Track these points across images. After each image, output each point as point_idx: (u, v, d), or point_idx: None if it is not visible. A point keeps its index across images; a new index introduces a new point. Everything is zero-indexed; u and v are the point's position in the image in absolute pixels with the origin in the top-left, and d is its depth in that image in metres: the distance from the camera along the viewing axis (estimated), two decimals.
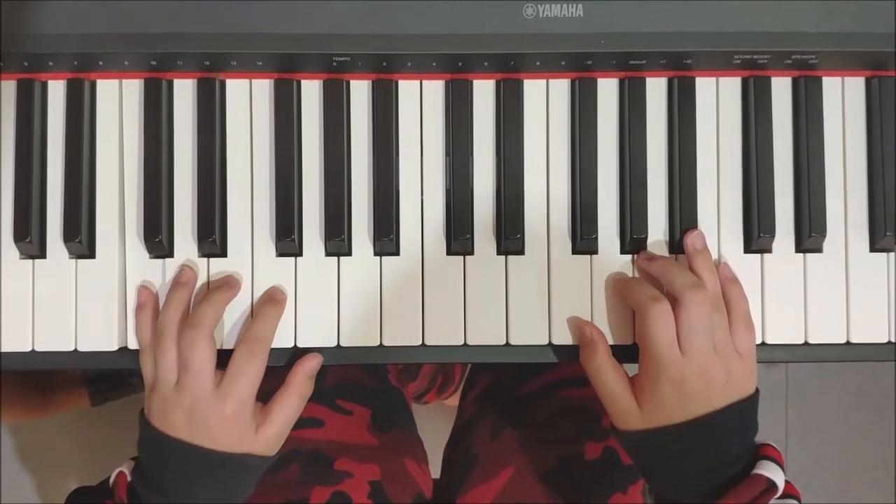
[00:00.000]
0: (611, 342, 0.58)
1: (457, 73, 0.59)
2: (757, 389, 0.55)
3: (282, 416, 0.56)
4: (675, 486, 0.55)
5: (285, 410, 0.56)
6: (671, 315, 0.53)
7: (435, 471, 0.77)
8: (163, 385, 0.54)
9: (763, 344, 0.59)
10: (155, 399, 0.54)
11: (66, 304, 0.58)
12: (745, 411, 0.54)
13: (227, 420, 0.53)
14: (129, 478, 0.55)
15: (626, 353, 0.58)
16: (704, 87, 0.60)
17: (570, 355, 0.58)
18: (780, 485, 0.52)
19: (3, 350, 0.58)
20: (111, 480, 0.56)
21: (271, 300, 0.57)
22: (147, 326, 0.57)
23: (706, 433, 0.53)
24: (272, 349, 0.57)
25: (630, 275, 0.59)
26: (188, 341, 0.53)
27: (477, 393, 0.79)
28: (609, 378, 0.55)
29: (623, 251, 0.59)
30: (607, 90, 0.60)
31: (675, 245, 0.59)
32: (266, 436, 0.55)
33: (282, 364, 0.58)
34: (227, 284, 0.57)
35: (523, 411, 0.72)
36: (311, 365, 0.57)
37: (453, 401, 1.20)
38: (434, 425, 0.99)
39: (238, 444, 0.54)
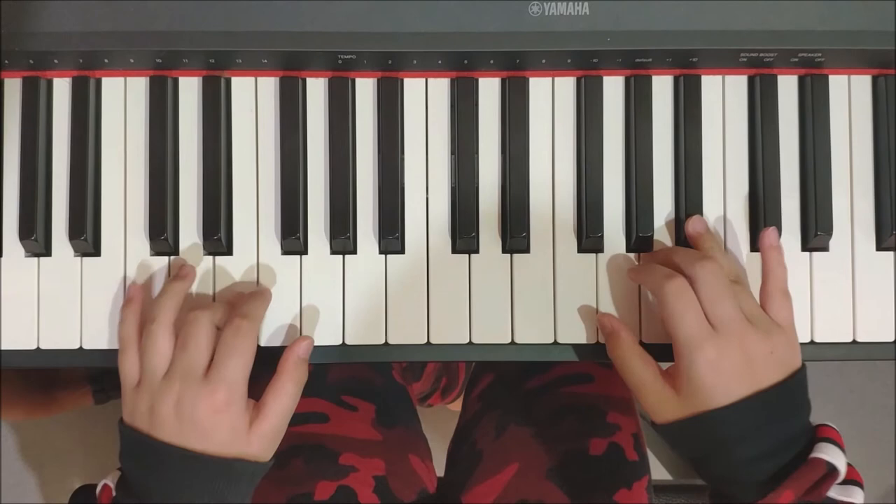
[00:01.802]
0: None
1: (462, 72, 0.59)
2: (804, 364, 0.51)
3: (277, 405, 0.52)
4: (726, 476, 0.51)
5: (280, 398, 0.52)
6: (690, 290, 0.50)
7: (438, 470, 0.77)
8: (150, 376, 0.51)
9: None
10: (140, 395, 0.51)
11: (71, 303, 0.58)
12: (794, 388, 0.50)
13: (217, 408, 0.49)
14: (113, 492, 0.52)
15: None
16: (710, 85, 0.59)
17: (575, 354, 0.58)
18: (842, 469, 0.49)
19: (8, 348, 0.58)
20: (97, 492, 0.53)
21: (257, 291, 0.57)
22: (131, 322, 0.54)
23: (753, 416, 0.49)
24: (276, 347, 0.57)
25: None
26: (191, 318, 0.51)
27: (481, 390, 0.79)
28: (635, 365, 0.53)
29: (629, 249, 0.59)
30: (613, 88, 0.59)
31: (681, 243, 0.59)
32: (261, 431, 0.52)
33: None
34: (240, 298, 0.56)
35: (527, 408, 0.72)
36: (302, 347, 0.54)
37: (456, 405, 1.20)
38: (437, 424, 0.99)
39: (230, 443, 0.51)
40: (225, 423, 0.50)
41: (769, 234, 0.56)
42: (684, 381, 0.50)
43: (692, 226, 0.57)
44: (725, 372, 0.49)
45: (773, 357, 0.50)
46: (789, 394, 0.50)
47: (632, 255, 0.59)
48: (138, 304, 0.56)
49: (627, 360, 0.53)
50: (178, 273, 0.57)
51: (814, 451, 0.50)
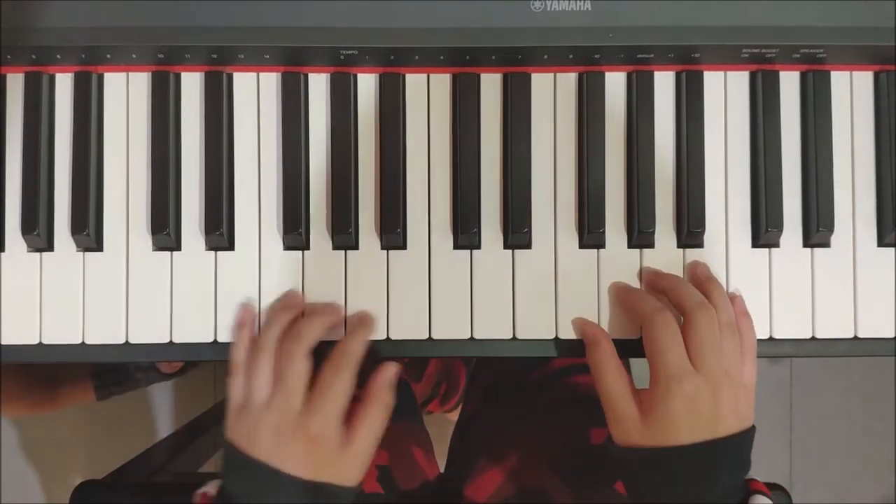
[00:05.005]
0: (619, 336, 0.58)
1: (464, 67, 0.59)
2: (754, 425, 0.54)
3: (365, 431, 0.54)
4: None
5: (369, 423, 0.54)
6: (677, 326, 0.53)
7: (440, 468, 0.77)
8: (254, 403, 0.53)
9: (770, 338, 0.59)
10: (243, 419, 0.53)
11: (73, 298, 0.58)
12: (745, 444, 0.53)
13: (310, 440, 0.52)
14: (211, 500, 0.54)
15: (633, 348, 0.58)
16: (712, 81, 0.59)
17: (576, 350, 0.58)
18: None
19: (10, 343, 0.58)
20: (193, 500, 0.54)
21: (362, 323, 0.57)
22: (242, 347, 0.56)
23: (709, 460, 0.52)
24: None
25: (637, 268, 0.59)
26: (286, 353, 0.53)
27: (483, 381, 0.79)
28: (611, 378, 0.54)
29: (630, 245, 0.59)
30: (615, 84, 0.59)
31: (683, 239, 0.59)
32: (350, 454, 0.53)
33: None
34: (331, 308, 0.57)
35: (529, 398, 0.73)
36: (389, 374, 0.56)
37: (455, 415, 1.20)
38: (437, 430, 0.99)
39: (321, 468, 0.52)
40: (317, 453, 0.52)
41: (737, 300, 0.58)
42: (655, 407, 0.52)
43: (700, 271, 0.58)
44: (696, 411, 0.51)
45: (735, 414, 0.52)
46: (740, 448, 0.53)
47: (634, 251, 0.59)
48: (250, 328, 0.57)
49: (604, 370, 0.54)
50: (285, 302, 0.58)
51: (750, 501, 0.52)
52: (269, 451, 0.52)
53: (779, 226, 0.58)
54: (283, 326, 0.55)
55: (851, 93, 0.60)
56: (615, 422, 0.54)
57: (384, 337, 0.58)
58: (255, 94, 0.59)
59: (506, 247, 0.59)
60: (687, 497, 0.52)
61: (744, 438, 0.53)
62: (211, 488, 0.54)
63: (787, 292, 0.59)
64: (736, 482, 0.53)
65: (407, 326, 0.58)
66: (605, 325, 0.58)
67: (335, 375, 0.53)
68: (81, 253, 0.59)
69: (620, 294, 0.58)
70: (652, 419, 0.52)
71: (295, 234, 0.58)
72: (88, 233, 0.57)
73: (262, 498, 0.52)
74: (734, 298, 0.57)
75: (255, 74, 0.59)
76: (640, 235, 0.58)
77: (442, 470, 0.78)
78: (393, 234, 0.58)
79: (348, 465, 0.54)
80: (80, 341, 0.58)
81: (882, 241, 0.59)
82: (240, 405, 0.54)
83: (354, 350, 0.55)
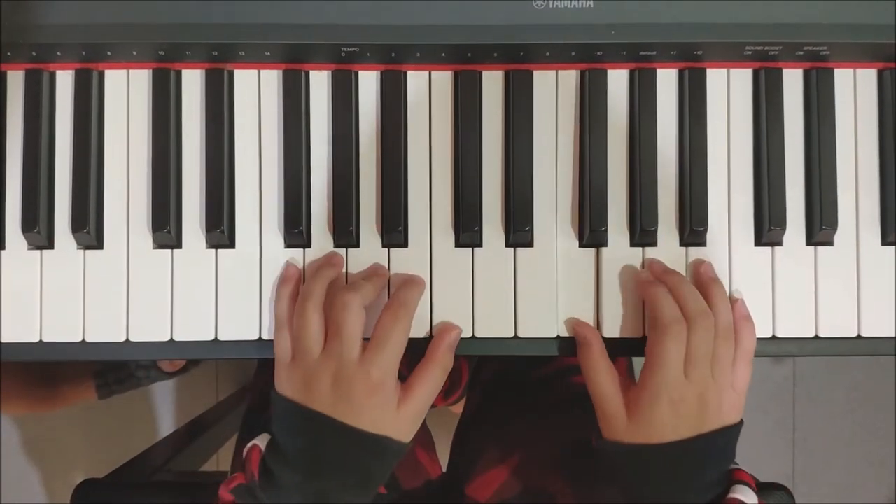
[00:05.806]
0: (619, 335, 0.58)
1: (466, 65, 0.59)
2: (741, 420, 0.55)
3: (423, 389, 0.54)
4: None
5: (427, 382, 0.54)
6: (686, 338, 0.53)
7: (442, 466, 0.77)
8: (305, 354, 0.53)
9: (773, 337, 0.59)
10: (294, 371, 0.53)
11: (73, 295, 0.58)
12: (729, 438, 0.54)
13: (371, 388, 0.51)
14: (262, 452, 0.54)
15: (634, 347, 0.58)
16: (715, 78, 0.59)
17: (578, 349, 0.58)
18: None
19: (11, 340, 0.58)
20: (244, 453, 0.54)
21: (412, 280, 0.57)
22: (286, 301, 0.56)
23: (692, 455, 0.53)
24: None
25: (638, 268, 0.59)
26: (342, 303, 0.53)
27: (485, 380, 0.79)
28: (601, 378, 0.55)
29: (633, 244, 0.59)
30: (617, 81, 0.59)
31: (685, 238, 0.59)
32: (406, 412, 0.53)
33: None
34: (380, 269, 0.58)
35: (531, 398, 0.73)
36: (452, 336, 0.56)
37: (458, 408, 1.20)
38: (440, 424, 0.99)
39: (378, 421, 0.52)
40: (376, 403, 0.52)
41: (739, 304, 0.57)
42: (642, 410, 0.53)
43: (704, 270, 0.58)
44: (680, 414, 0.53)
45: (719, 413, 0.54)
46: (723, 442, 0.54)
47: (636, 249, 0.59)
48: (293, 283, 0.57)
49: (594, 371, 0.55)
50: (328, 260, 0.58)
51: (731, 492, 0.53)
52: (326, 400, 0.52)
53: (782, 224, 0.58)
54: (328, 281, 0.55)
55: (855, 90, 0.60)
56: (603, 419, 0.55)
57: None
58: (256, 92, 0.59)
59: (507, 245, 0.59)
60: (672, 489, 0.53)
61: (727, 434, 0.54)
62: (260, 441, 0.54)
63: (790, 291, 0.59)
64: (720, 473, 0.54)
65: None
66: (607, 324, 0.58)
67: (394, 324, 0.53)
68: (82, 251, 0.58)
69: (641, 287, 0.57)
70: (638, 420, 0.53)
71: (296, 232, 0.58)
72: (89, 230, 0.57)
73: (319, 449, 0.52)
74: (735, 302, 0.57)
75: (255, 72, 0.59)
76: (642, 234, 0.58)
77: (444, 469, 0.77)
78: (394, 232, 0.58)
79: (403, 422, 0.53)
80: (80, 339, 0.58)
81: (885, 240, 0.59)
82: (288, 359, 0.54)
83: (412, 299, 0.55)
